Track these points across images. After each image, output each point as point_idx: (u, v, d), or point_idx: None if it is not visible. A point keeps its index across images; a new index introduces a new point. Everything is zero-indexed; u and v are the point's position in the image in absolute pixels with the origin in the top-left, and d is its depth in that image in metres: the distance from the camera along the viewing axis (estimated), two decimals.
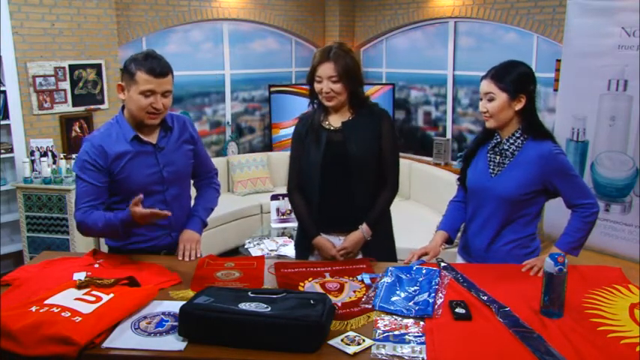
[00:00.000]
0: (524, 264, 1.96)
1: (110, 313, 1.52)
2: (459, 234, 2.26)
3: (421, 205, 5.13)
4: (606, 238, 4.26)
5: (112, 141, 2.02)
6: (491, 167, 2.06)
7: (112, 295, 1.61)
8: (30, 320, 1.42)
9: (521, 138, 2.01)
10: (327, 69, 2.11)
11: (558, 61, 4.62)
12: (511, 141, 2.02)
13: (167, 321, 1.53)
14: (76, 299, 1.56)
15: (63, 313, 1.47)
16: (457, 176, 2.25)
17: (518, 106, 1.98)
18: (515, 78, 1.96)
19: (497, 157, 2.06)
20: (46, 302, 1.54)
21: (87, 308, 1.51)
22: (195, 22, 5.64)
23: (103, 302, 1.56)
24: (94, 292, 1.61)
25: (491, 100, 1.98)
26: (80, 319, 1.46)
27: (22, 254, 4.29)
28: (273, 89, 6.20)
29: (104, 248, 2.23)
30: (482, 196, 2.08)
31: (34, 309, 1.49)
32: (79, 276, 1.80)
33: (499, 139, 2.06)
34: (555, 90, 4.71)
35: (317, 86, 2.16)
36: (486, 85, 1.99)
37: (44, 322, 1.41)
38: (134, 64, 1.94)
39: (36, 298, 1.58)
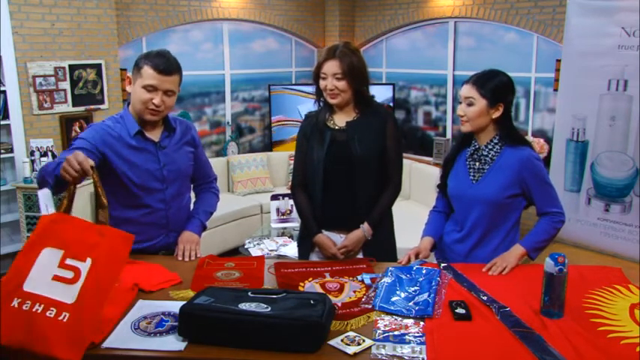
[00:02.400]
0: (488, 264, 1.95)
1: (93, 311, 1.42)
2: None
3: (421, 205, 5.13)
4: (606, 238, 4.27)
5: (116, 133, 2.04)
6: (472, 174, 2.08)
7: (89, 261, 1.46)
8: (18, 335, 1.34)
9: (500, 144, 2.04)
10: (332, 66, 2.14)
11: (558, 61, 4.62)
12: (490, 147, 2.05)
13: (167, 321, 1.53)
14: (54, 279, 1.43)
15: (48, 313, 1.37)
16: (437, 182, 2.26)
17: (496, 115, 2.01)
18: (495, 86, 1.99)
19: (477, 164, 2.08)
20: (25, 289, 1.40)
21: (68, 293, 1.41)
22: (195, 22, 5.64)
23: (82, 279, 1.43)
24: (68, 262, 1.46)
25: (470, 104, 2.01)
26: (67, 315, 1.37)
27: None
28: (273, 90, 6.20)
29: None
30: (466, 203, 2.09)
31: (15, 303, 1.38)
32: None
33: (477, 146, 2.08)
34: (555, 90, 4.72)
35: (322, 83, 2.18)
36: (467, 90, 2.02)
37: (33, 339, 1.33)
38: (144, 59, 1.99)
39: (14, 283, 1.41)
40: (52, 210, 1.59)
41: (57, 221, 1.52)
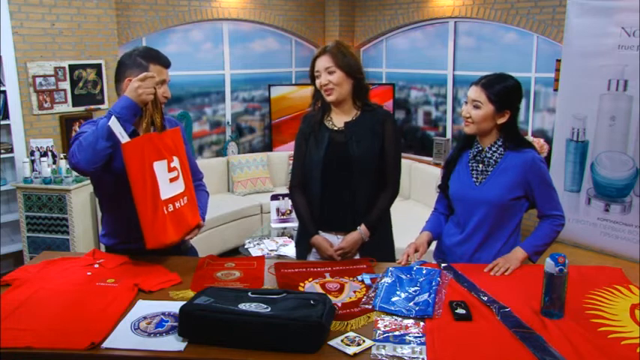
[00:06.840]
0: (490, 265, 1.95)
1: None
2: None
3: (421, 205, 5.13)
4: (606, 238, 4.27)
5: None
6: (475, 176, 2.07)
7: (175, 158, 1.95)
8: (180, 230, 1.94)
9: (503, 147, 2.03)
10: (323, 61, 2.16)
11: (558, 61, 4.62)
12: (493, 149, 2.04)
13: (167, 321, 1.53)
14: (170, 181, 1.91)
15: (182, 203, 1.96)
16: (438, 183, 2.25)
17: (501, 120, 2.00)
18: (504, 91, 1.97)
19: (480, 166, 2.07)
20: (163, 198, 1.86)
21: (180, 185, 1.96)
22: (195, 22, 5.64)
23: (180, 172, 1.95)
24: (172, 165, 1.92)
25: (477, 107, 1.99)
26: (186, 198, 1.99)
27: (22, 254, 4.30)
28: (273, 90, 6.20)
29: (103, 249, 2.22)
30: (468, 204, 2.08)
31: (165, 210, 1.87)
32: None
33: (480, 148, 2.07)
34: (555, 90, 4.71)
35: (317, 82, 2.19)
36: (476, 93, 1.99)
37: (187, 224, 1.97)
38: (142, 58, 2.00)
39: (152, 197, 1.84)
40: (126, 137, 1.84)
41: (152, 138, 1.90)
